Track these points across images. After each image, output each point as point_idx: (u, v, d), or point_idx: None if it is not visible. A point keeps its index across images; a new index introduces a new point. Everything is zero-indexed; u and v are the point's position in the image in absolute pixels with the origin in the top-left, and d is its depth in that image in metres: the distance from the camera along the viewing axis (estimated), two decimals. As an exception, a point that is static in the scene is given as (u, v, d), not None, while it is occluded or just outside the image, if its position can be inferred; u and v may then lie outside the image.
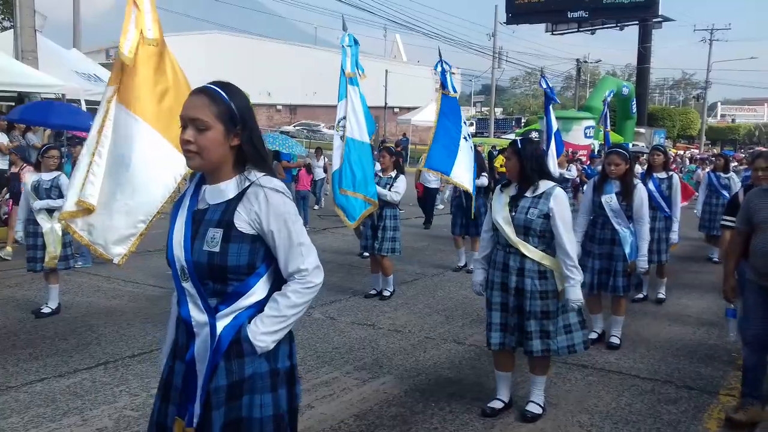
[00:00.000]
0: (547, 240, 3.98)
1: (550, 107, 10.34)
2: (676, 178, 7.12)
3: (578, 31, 40.24)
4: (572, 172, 12.22)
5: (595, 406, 4.42)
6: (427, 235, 11.90)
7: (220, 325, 2.09)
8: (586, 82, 52.50)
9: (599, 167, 7.28)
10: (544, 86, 10.61)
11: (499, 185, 4.23)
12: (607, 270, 5.50)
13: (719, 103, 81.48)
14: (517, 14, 39.50)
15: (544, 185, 4.00)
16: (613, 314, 5.72)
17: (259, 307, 2.13)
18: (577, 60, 46.52)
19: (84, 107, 13.51)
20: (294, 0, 42.77)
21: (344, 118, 6.75)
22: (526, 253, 3.93)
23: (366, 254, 8.17)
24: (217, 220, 2.10)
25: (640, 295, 7.34)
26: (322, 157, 15.92)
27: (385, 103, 42.68)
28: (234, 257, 2.07)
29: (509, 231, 3.97)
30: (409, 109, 48.37)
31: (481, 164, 8.90)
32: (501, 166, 11.24)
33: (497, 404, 4.23)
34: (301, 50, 56.84)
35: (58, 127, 12.13)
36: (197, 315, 2.12)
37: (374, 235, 7.16)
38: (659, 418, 4.27)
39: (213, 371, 2.08)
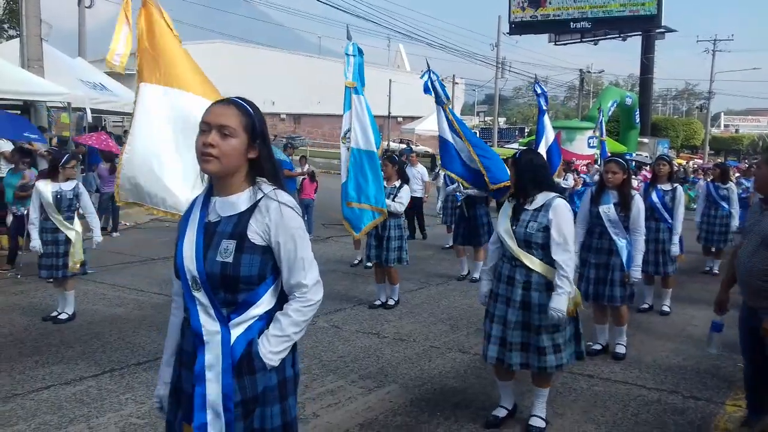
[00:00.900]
0: (551, 252, 3.96)
1: (544, 118, 9.85)
2: (680, 190, 7.10)
3: (581, 42, 40.26)
4: (569, 182, 12.23)
5: (601, 416, 4.40)
6: (429, 245, 11.89)
7: (234, 333, 2.14)
8: (589, 92, 52.49)
9: (596, 176, 7.22)
10: (539, 92, 10.07)
11: (507, 196, 4.24)
12: (604, 279, 5.47)
13: (722, 114, 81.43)
14: (519, 25, 39.55)
15: (544, 197, 3.97)
16: (615, 325, 5.71)
17: (267, 317, 2.19)
18: (581, 70, 46.57)
19: (89, 115, 13.56)
20: (298, 10, 43.06)
21: (350, 129, 6.66)
22: (530, 265, 3.91)
23: (369, 264, 8.15)
24: (230, 232, 2.15)
25: (645, 305, 7.32)
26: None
27: (389, 113, 42.76)
28: (246, 267, 2.13)
29: (511, 243, 3.97)
30: (412, 118, 48.46)
31: None
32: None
33: (501, 412, 4.22)
34: (305, 60, 57.10)
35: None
36: (208, 324, 2.15)
37: (379, 245, 7.13)
38: (666, 428, 4.26)
39: (227, 382, 2.11)
